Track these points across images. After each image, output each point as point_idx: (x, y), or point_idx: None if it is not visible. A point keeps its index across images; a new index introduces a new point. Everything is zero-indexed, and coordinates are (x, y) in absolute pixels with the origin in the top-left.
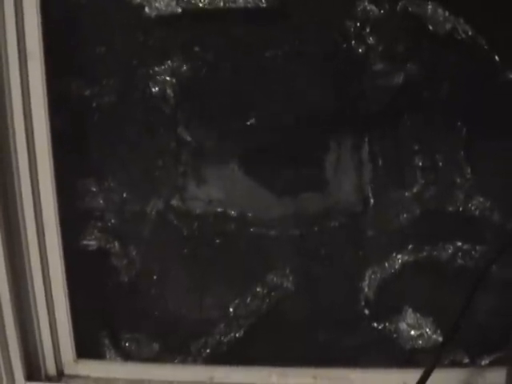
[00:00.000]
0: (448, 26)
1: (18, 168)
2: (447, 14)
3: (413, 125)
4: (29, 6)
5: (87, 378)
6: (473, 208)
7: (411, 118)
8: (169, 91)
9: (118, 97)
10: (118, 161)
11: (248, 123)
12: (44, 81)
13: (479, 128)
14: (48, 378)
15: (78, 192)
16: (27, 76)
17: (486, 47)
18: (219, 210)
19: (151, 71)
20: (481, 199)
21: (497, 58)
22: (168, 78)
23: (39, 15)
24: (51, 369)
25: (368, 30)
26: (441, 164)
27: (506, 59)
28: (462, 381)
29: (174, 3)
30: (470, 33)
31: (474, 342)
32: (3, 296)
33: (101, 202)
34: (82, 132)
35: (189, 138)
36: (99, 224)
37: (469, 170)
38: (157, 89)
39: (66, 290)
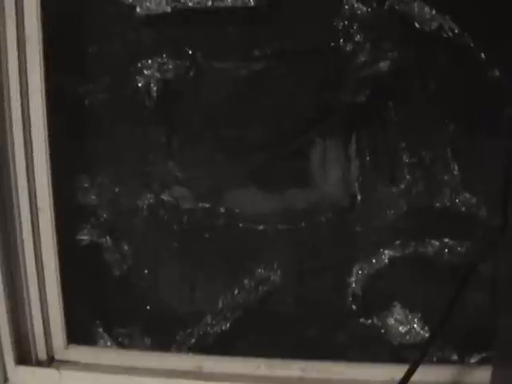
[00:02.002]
0: (434, 24)
1: (14, 163)
2: (434, 12)
3: (400, 121)
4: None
5: (78, 363)
6: (460, 204)
7: (398, 114)
8: (159, 88)
9: (110, 94)
10: (109, 156)
11: (236, 119)
12: (42, 76)
13: (466, 125)
14: (39, 363)
15: (71, 187)
16: (26, 74)
17: (472, 45)
18: (208, 205)
19: (141, 68)
20: (467, 195)
21: (483, 55)
22: (158, 75)
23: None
24: (42, 354)
25: (355, 28)
26: (428, 160)
27: (491, 57)
28: (449, 378)
29: (164, 3)
30: (456, 30)
31: (464, 340)
32: None
33: (93, 197)
34: (75, 128)
35: (178, 134)
36: (92, 219)
37: (456, 167)
38: (147, 86)
39: (59, 279)
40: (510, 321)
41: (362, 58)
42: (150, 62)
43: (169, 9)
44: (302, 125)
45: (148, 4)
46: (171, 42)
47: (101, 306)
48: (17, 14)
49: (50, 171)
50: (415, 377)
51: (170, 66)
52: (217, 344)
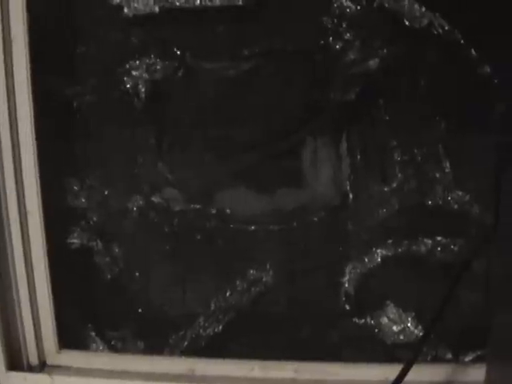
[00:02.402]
0: (424, 21)
1: (2, 166)
2: (423, 9)
3: (391, 119)
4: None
5: (70, 368)
6: (452, 202)
7: (389, 112)
8: (147, 90)
9: (98, 95)
10: (98, 159)
11: (226, 119)
12: (29, 79)
13: (457, 122)
14: (30, 368)
15: (60, 190)
16: (12, 76)
17: (462, 41)
18: (198, 206)
19: (130, 70)
20: (460, 193)
21: (473, 52)
22: (146, 76)
23: (25, 13)
24: (33, 359)
25: (345, 26)
26: (419, 158)
27: (482, 53)
28: (444, 377)
29: (151, 3)
30: (446, 27)
31: (458, 338)
32: None
33: (83, 200)
34: (63, 130)
35: (167, 135)
36: (82, 222)
37: (447, 164)
38: (135, 88)
39: (49, 282)
40: (505, 318)
41: (352, 56)
42: (138, 62)
43: (157, 9)
44: (292, 124)
45: (135, 4)
46: (159, 43)
47: (92, 310)
48: (2, 14)
49: (38, 174)
50: (410, 376)
51: (159, 67)
52: (210, 346)
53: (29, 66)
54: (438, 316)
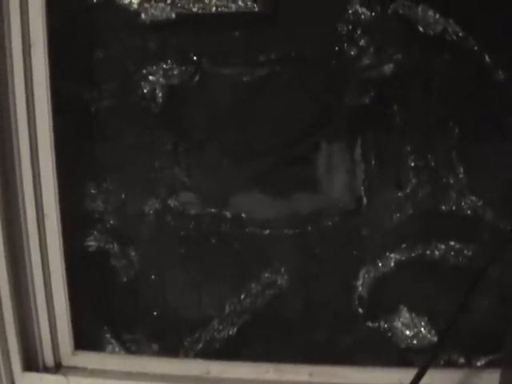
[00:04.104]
0: (438, 28)
1: (20, 170)
2: (437, 15)
3: (405, 125)
4: (34, 8)
5: (85, 369)
6: (465, 207)
7: (404, 118)
8: (164, 95)
9: (116, 100)
10: (115, 162)
11: (242, 124)
12: (48, 83)
13: (471, 128)
14: (46, 369)
15: (78, 194)
16: (31, 81)
17: (476, 48)
18: (214, 210)
19: (148, 75)
20: (473, 198)
21: (487, 58)
22: (164, 82)
23: (44, 18)
24: (49, 360)
25: (359, 32)
26: (433, 164)
27: (496, 59)
28: (457, 381)
29: (168, 9)
30: (460, 34)
31: (471, 343)
32: (2, 288)
33: (100, 203)
34: (81, 134)
35: (184, 140)
36: (98, 225)
37: (461, 170)
38: (152, 92)
39: (66, 285)
40: None
41: (367, 62)
42: (155, 67)
43: (173, 15)
44: (308, 129)
45: (153, 11)
46: (176, 48)
47: (108, 312)
48: (22, 19)
49: (56, 178)
50: (422, 380)
51: (175, 72)
52: (224, 349)
53: (48, 70)
54: (453, 322)
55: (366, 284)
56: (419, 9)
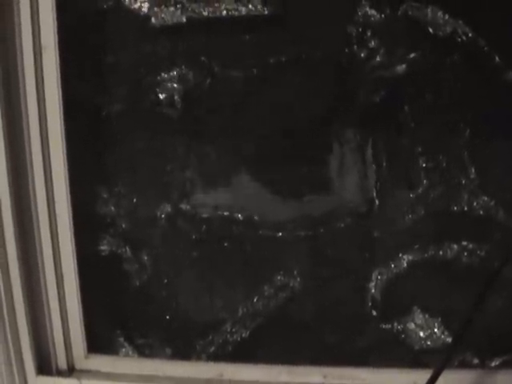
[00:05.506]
0: (448, 29)
1: (32, 174)
2: (447, 16)
3: (417, 126)
4: (45, 13)
5: (98, 372)
6: (478, 207)
7: (415, 119)
8: (176, 98)
9: (127, 104)
10: (127, 166)
11: (253, 127)
12: (60, 87)
13: (482, 128)
14: (59, 373)
15: (90, 198)
16: (43, 85)
17: (486, 48)
18: (226, 213)
19: (159, 79)
20: (485, 198)
21: (497, 58)
22: (175, 86)
23: (55, 23)
24: (62, 363)
25: (369, 34)
26: (445, 164)
27: (506, 59)
28: (471, 382)
29: (178, 13)
30: (470, 34)
31: (485, 344)
32: (15, 292)
33: (112, 207)
34: (93, 139)
35: (196, 144)
36: (111, 229)
37: (473, 170)
38: (164, 96)
39: (79, 289)
40: None
41: (377, 63)
42: (165, 71)
43: (184, 19)
44: (319, 131)
45: (163, 15)
46: (186, 52)
47: (121, 316)
48: (33, 23)
49: (68, 182)
50: (437, 382)
51: (186, 76)
52: (237, 351)
53: (59, 74)
54: (468, 323)
55: (379, 285)
56: (428, 10)
